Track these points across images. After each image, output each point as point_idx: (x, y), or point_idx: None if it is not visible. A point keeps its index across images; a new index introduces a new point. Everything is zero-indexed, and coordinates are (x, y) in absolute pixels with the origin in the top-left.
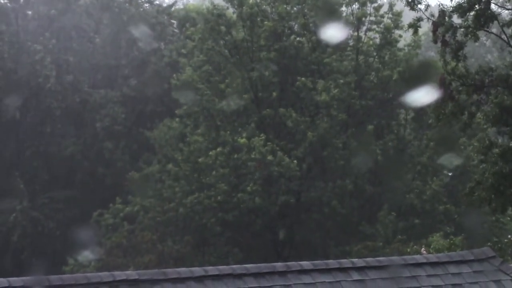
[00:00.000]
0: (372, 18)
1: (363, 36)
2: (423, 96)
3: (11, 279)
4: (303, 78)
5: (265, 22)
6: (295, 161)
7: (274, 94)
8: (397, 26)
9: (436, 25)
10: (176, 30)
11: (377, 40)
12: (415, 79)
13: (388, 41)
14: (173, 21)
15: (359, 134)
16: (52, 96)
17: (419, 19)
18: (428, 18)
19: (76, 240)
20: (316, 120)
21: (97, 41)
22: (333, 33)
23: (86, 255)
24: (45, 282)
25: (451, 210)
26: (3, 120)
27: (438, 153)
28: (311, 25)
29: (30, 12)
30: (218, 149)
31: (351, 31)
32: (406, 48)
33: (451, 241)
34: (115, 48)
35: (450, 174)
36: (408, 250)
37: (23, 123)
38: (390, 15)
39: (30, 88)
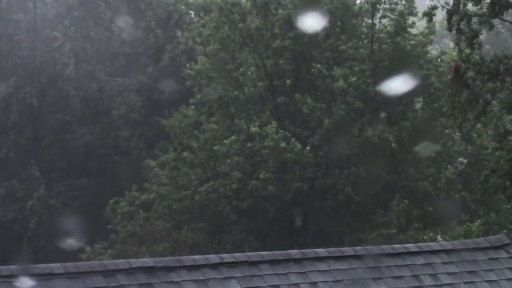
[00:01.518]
0: (387, 6)
1: (378, 24)
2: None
3: (27, 266)
4: (318, 65)
5: (279, 11)
6: (308, 147)
7: (288, 82)
8: (411, 13)
9: (450, 13)
10: (194, 18)
11: (391, 28)
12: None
13: (402, 27)
14: (190, 11)
15: (374, 122)
16: (70, 83)
17: (434, 7)
18: (443, 7)
19: (92, 228)
20: (332, 107)
21: (114, 30)
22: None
23: (102, 243)
24: (61, 270)
25: (466, 198)
26: (20, 108)
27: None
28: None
29: (48, 0)
30: (233, 137)
31: (365, 19)
32: (420, 35)
33: (467, 228)
34: (132, 36)
35: (465, 161)
36: (425, 237)
37: (40, 111)
38: (404, 2)
39: (47, 75)
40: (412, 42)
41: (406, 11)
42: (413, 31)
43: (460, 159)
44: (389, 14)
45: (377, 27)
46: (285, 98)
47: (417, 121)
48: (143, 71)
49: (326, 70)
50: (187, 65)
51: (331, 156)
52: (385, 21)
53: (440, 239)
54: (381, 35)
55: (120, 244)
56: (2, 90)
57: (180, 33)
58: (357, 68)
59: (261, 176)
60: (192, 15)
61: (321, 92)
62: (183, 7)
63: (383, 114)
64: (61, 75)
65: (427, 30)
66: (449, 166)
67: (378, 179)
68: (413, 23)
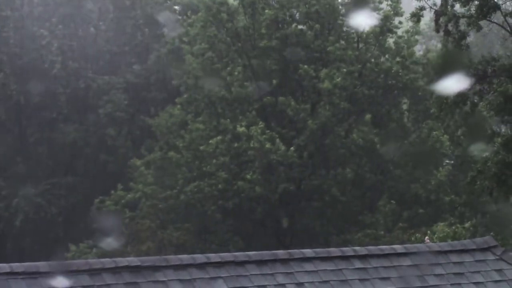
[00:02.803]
0: (371, 5)
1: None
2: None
3: (13, 264)
4: (305, 66)
5: (266, 11)
6: (292, 148)
7: (275, 81)
8: (397, 13)
9: (438, 15)
10: (179, 17)
11: (377, 28)
12: None
13: (388, 28)
14: (176, 7)
15: (360, 123)
16: (57, 81)
17: (422, 8)
18: (431, 8)
19: (78, 226)
20: (318, 108)
21: (101, 27)
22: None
23: (88, 242)
24: (47, 268)
25: (455, 201)
26: (7, 105)
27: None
28: (313, 13)
29: None
30: (219, 137)
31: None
32: (405, 34)
33: (456, 229)
34: (118, 34)
35: (452, 162)
36: (412, 238)
37: (27, 108)
38: (389, 1)
39: (34, 73)
40: (399, 42)
41: (392, 12)
42: (399, 31)
43: (447, 161)
44: (374, 13)
45: (363, 29)
46: (271, 98)
47: (403, 123)
48: (130, 69)
49: (313, 71)
50: (174, 64)
51: (317, 157)
52: (371, 21)
53: (428, 240)
54: (366, 35)
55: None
56: None
57: (166, 32)
58: (344, 70)
59: (248, 176)
60: (178, 13)
61: (307, 92)
62: (169, 2)
63: (368, 116)
64: (48, 73)
65: (412, 30)
66: (440, 168)
67: (364, 180)
68: (400, 23)
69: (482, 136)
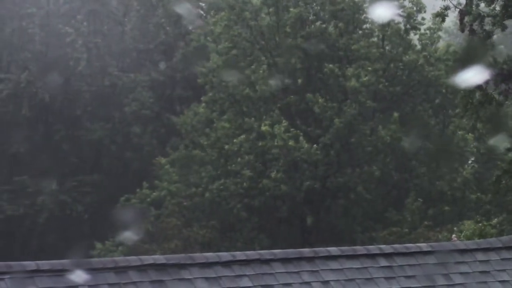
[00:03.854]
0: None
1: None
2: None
3: (39, 262)
4: (330, 65)
5: (291, 9)
6: (315, 145)
7: (300, 81)
8: (419, 10)
9: (463, 14)
10: (204, 14)
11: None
12: None
13: (412, 25)
14: (202, 3)
15: (386, 121)
16: (82, 79)
17: (446, 8)
18: (455, 7)
19: (103, 224)
20: (343, 106)
21: (126, 25)
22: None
23: (113, 239)
24: (73, 266)
25: (481, 199)
26: (32, 103)
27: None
28: (338, 11)
29: None
30: (243, 136)
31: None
32: (428, 31)
33: (482, 227)
34: (144, 31)
35: (476, 160)
36: (440, 236)
37: (52, 105)
38: None
39: (60, 71)
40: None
41: (415, 8)
42: (422, 28)
43: (472, 159)
44: (398, 11)
45: (387, 28)
46: (296, 97)
47: (427, 120)
48: (155, 67)
49: (338, 69)
50: (199, 62)
51: (343, 155)
52: (395, 18)
53: (455, 238)
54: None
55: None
56: (13, 85)
57: (191, 29)
58: (369, 68)
59: (272, 175)
60: (203, 11)
61: (333, 91)
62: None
63: (396, 114)
64: (73, 70)
65: (434, 26)
66: (466, 166)
67: (389, 178)
68: (423, 19)
69: (507, 136)
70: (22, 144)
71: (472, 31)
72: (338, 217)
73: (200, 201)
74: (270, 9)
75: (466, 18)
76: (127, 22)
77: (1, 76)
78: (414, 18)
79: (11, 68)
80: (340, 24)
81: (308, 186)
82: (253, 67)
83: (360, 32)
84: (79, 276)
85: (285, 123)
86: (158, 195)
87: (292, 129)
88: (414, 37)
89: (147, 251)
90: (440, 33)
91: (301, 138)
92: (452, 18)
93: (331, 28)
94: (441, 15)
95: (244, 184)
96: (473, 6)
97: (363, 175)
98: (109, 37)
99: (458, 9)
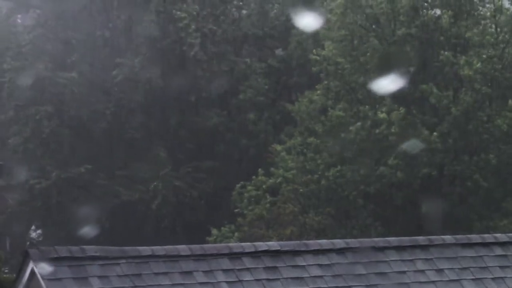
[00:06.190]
0: None
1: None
2: None
3: (154, 247)
4: (446, 53)
5: None
6: (435, 133)
7: (412, 69)
8: None
9: None
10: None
11: None
12: None
13: None
14: None
15: (503, 107)
16: (197, 64)
17: None
18: None
19: (219, 210)
20: (459, 94)
21: (243, 11)
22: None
23: (230, 226)
24: (187, 252)
25: None
26: (146, 88)
27: None
28: None
29: None
30: (358, 124)
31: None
32: None
33: None
34: (261, 18)
35: None
36: None
37: (167, 91)
38: None
39: (174, 56)
40: None
41: None
42: None
43: None
44: None
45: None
46: (411, 85)
47: None
48: (271, 54)
49: (453, 56)
50: (314, 51)
51: (460, 143)
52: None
53: None
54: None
55: (247, 227)
56: (128, 70)
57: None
58: (484, 56)
59: (389, 162)
60: None
61: (449, 79)
62: None
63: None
64: (188, 56)
65: None
66: None
67: (507, 166)
68: None
69: None
70: (137, 129)
71: None
72: (454, 205)
73: (316, 188)
74: None
75: None
76: (243, 5)
77: (117, 61)
78: None
79: (127, 54)
80: (450, 12)
81: (425, 173)
82: (368, 54)
83: (472, 19)
84: (194, 262)
85: (402, 110)
86: (274, 182)
87: (409, 116)
88: None
89: (263, 237)
90: None
91: (419, 125)
92: None
93: (444, 16)
94: None
95: (361, 171)
96: None
97: (480, 163)
98: (225, 23)
99: None
